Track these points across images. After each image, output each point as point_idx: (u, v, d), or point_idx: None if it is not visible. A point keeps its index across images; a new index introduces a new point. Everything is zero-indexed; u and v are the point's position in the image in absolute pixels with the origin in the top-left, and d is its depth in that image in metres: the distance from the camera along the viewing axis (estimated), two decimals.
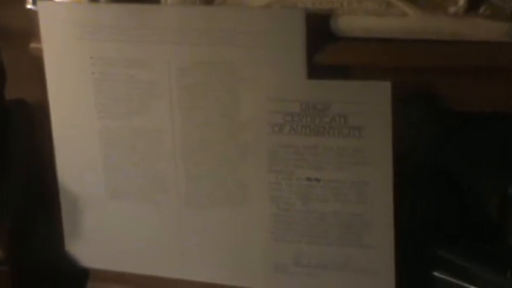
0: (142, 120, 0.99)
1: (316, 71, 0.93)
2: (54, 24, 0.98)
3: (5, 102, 1.07)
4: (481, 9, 0.91)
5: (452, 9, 0.92)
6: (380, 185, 0.93)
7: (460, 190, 1.04)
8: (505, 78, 0.92)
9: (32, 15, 1.00)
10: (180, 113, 0.98)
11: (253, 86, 0.94)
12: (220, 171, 0.98)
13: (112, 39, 0.97)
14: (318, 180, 0.95)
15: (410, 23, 0.92)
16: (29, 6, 1.02)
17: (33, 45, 1.01)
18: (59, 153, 1.03)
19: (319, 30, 0.93)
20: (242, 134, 0.96)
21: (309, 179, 0.95)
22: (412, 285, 0.97)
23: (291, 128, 0.95)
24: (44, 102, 1.01)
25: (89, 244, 1.05)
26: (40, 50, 1.00)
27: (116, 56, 0.97)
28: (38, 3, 0.99)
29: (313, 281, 0.98)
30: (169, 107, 0.98)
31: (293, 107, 0.94)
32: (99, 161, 1.02)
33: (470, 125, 1.02)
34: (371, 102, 0.92)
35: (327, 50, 0.93)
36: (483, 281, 0.96)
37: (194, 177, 0.99)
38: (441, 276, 0.97)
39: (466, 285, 0.96)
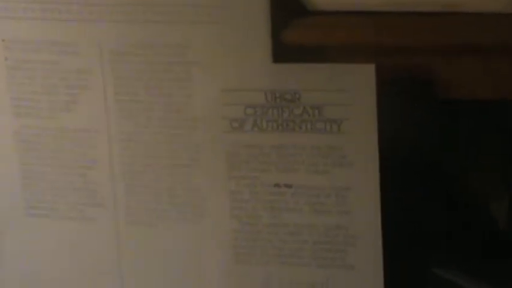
0: (69, 118, 0.91)
1: (283, 52, 0.86)
2: None
3: None
4: None
5: None
6: (365, 190, 0.86)
7: (457, 192, 0.95)
8: (508, 57, 0.84)
9: None
10: (116, 108, 0.89)
11: (206, 73, 0.87)
12: (168, 180, 0.90)
13: (29, 17, 0.88)
14: (288, 186, 0.88)
15: None
16: None
17: None
18: None
19: (287, 3, 0.85)
20: (194, 132, 0.88)
21: (277, 185, 0.88)
22: None
23: (254, 124, 0.87)
24: None
25: (6, 272, 0.97)
26: None
27: (34, 39, 0.89)
28: None
29: None
30: (103, 101, 0.90)
31: (256, 97, 0.87)
32: (16, 169, 0.93)
33: (468, 113, 0.93)
34: (351, 90, 0.85)
35: (296, 26, 0.86)
36: None
37: (136, 188, 0.91)
38: None
39: None
